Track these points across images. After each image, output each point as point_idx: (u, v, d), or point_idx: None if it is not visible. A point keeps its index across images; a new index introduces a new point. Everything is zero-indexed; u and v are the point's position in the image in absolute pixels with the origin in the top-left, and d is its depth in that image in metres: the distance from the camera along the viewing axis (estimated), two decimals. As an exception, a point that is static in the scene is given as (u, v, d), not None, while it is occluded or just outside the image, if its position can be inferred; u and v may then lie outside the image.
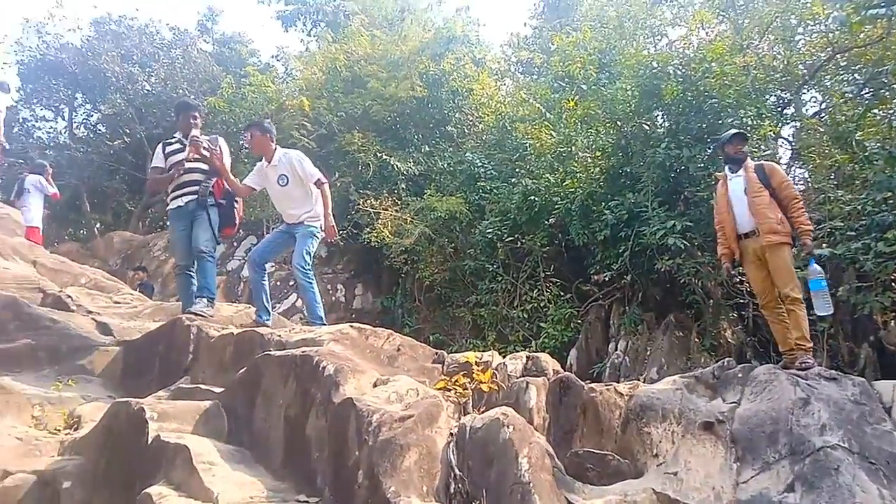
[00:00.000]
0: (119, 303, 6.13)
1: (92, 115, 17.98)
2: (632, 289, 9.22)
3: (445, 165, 12.76)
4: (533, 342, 9.68)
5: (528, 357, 4.47)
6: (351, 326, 4.09)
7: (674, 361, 8.61)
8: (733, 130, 5.11)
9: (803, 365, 4.05)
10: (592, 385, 4.36)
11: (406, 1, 16.35)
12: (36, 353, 4.24)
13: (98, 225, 18.43)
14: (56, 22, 17.30)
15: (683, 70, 8.65)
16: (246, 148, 14.86)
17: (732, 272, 5.05)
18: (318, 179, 5.12)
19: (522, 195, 10.56)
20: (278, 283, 12.86)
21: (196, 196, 5.10)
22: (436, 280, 11.41)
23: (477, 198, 11.64)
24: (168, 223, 5.50)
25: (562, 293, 9.90)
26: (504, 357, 4.71)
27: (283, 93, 14.27)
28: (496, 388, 3.71)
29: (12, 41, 17.20)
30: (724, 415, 3.71)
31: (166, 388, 3.91)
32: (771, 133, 8.75)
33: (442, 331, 11.25)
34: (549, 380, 4.34)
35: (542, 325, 9.77)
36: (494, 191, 11.32)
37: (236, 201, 5.43)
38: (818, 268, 4.43)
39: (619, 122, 9.57)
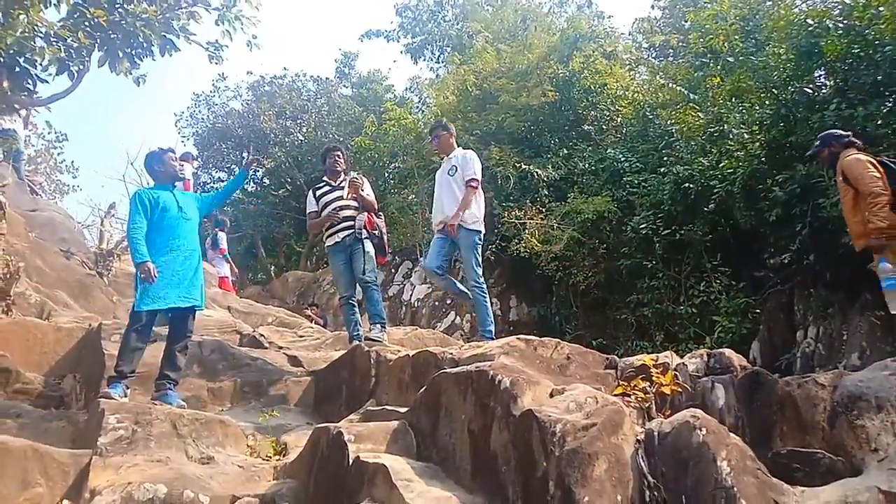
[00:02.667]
0: (303, 336, 6.70)
1: (258, 171, 20.00)
2: (815, 269, 8.34)
3: (586, 166, 12.48)
4: (707, 338, 9.09)
5: (708, 354, 4.21)
6: (518, 338, 4.12)
7: (877, 345, 7.63)
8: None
9: None
10: (787, 378, 4.01)
11: (527, 9, 16.36)
12: (242, 388, 4.77)
13: (272, 267, 20.32)
14: (220, 92, 19.58)
15: (845, 21, 7.76)
16: (392, 179, 15.64)
17: None
18: (472, 179, 5.26)
19: (674, 184, 10.02)
20: (436, 303, 13.31)
21: (352, 231, 5.47)
22: (590, 283, 11.14)
23: (624, 194, 11.23)
24: (329, 259, 5.99)
25: (733, 282, 9.20)
26: (681, 357, 4.49)
27: (420, 122, 14.85)
28: (679, 390, 3.54)
29: (188, 115, 19.74)
30: (956, 400, 3.23)
31: (356, 412, 4.19)
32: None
33: (604, 335, 10.92)
34: (735, 377, 4.05)
35: (714, 318, 9.13)
36: (643, 184, 10.85)
37: (384, 233, 5.74)
38: (887, 266, 4.35)
39: (775, 91, 8.77)
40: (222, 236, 9.96)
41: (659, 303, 10.04)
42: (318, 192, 5.76)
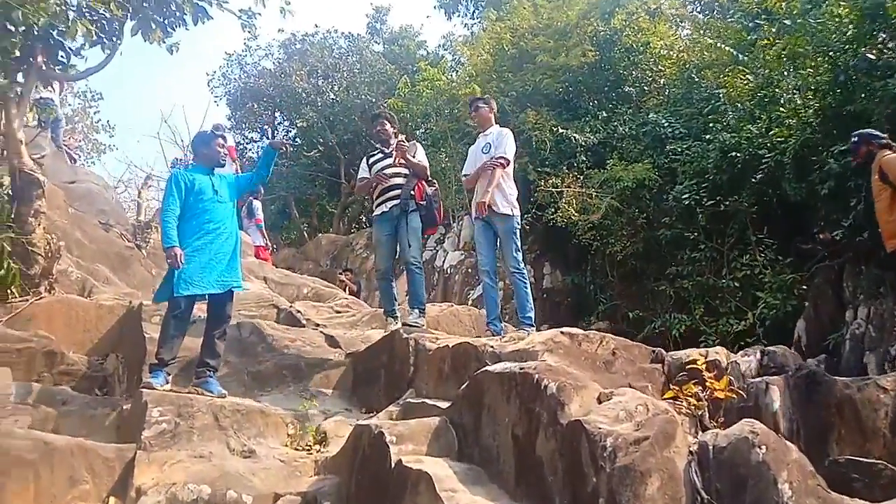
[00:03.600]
0: (340, 312, 6.68)
1: (290, 131, 19.90)
2: (868, 245, 7.97)
3: (627, 130, 12.02)
4: (749, 314, 8.84)
5: (762, 352, 4.05)
6: (562, 332, 4.00)
7: (931, 329, 7.31)
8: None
9: None
10: (846, 380, 3.83)
11: (567, -38, 15.60)
12: (281, 371, 4.77)
13: (305, 226, 20.39)
14: (252, 52, 19.35)
15: (915, -20, 7.17)
16: (425, 141, 15.41)
17: None
18: (502, 157, 5.07)
19: (720, 152, 9.59)
20: (469, 270, 13.21)
21: (399, 201, 5.29)
22: (628, 253, 10.87)
23: (666, 161, 10.81)
24: (372, 226, 5.81)
25: (779, 257, 8.86)
26: (730, 343, 4.34)
27: (453, 82, 14.48)
28: (733, 396, 3.38)
29: (220, 75, 19.63)
30: None
31: (395, 403, 4.15)
32: None
33: (640, 306, 10.68)
34: (791, 376, 3.89)
35: (758, 294, 8.84)
36: (686, 151, 10.42)
37: (436, 201, 5.53)
38: None
39: (832, 55, 8.23)
40: (257, 205, 9.94)
41: (700, 275, 9.75)
42: (371, 160, 5.55)
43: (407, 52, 19.97)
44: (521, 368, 3.33)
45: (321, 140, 18.67)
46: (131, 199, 20.01)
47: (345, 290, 11.26)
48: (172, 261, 4.10)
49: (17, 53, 4.89)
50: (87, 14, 5.40)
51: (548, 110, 12.71)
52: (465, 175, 5.49)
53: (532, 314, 4.88)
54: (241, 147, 20.08)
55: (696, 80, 11.50)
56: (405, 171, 5.34)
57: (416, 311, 5.09)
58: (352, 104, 17.35)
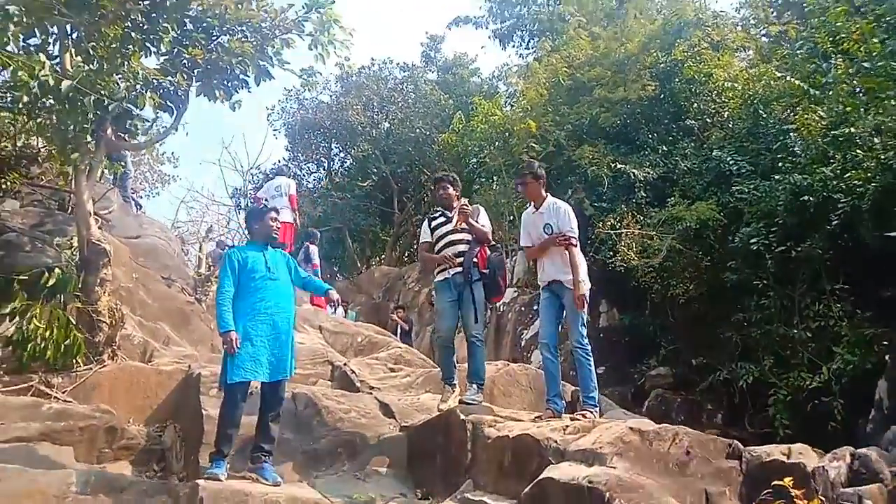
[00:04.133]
0: (393, 370, 6.58)
1: (345, 162, 20.27)
2: (959, 301, 7.39)
3: (688, 165, 11.60)
4: (823, 368, 8.30)
5: (852, 455, 3.71)
6: (631, 429, 3.77)
7: None
8: None
9: None
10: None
11: (624, -10, 15.39)
12: (336, 449, 4.69)
13: (357, 253, 20.58)
14: (311, 86, 19.77)
15: None
16: (479, 174, 15.32)
17: None
18: (573, 237, 4.91)
19: (791, 194, 9.08)
20: (522, 308, 12.98)
21: (462, 269, 5.11)
22: (690, 296, 10.43)
23: (732, 200, 10.34)
24: (434, 292, 5.62)
25: (857, 310, 8.31)
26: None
27: (508, 117, 14.39)
28: (825, 519, 3.09)
29: (279, 109, 20.24)
30: None
31: (453, 497, 4.00)
32: None
33: (704, 352, 10.22)
34: (886, 486, 3.55)
35: (833, 348, 8.31)
36: (753, 191, 9.94)
37: (500, 268, 5.33)
38: None
39: (915, 93, 7.72)
40: (314, 250, 10.04)
41: (768, 323, 9.24)
42: (434, 223, 5.39)
43: (461, 81, 20.05)
44: (589, 483, 3.14)
45: (375, 170, 18.91)
46: (189, 220, 20.75)
47: (396, 330, 11.28)
48: (228, 346, 4.09)
49: (90, 138, 5.06)
50: (153, 83, 5.54)
51: (605, 144, 12.40)
52: (525, 247, 5.33)
53: (596, 394, 4.66)
54: (300, 178, 20.55)
55: (763, 114, 11.02)
56: (468, 236, 5.22)
57: (475, 386, 4.92)
58: (406, 137, 17.50)
